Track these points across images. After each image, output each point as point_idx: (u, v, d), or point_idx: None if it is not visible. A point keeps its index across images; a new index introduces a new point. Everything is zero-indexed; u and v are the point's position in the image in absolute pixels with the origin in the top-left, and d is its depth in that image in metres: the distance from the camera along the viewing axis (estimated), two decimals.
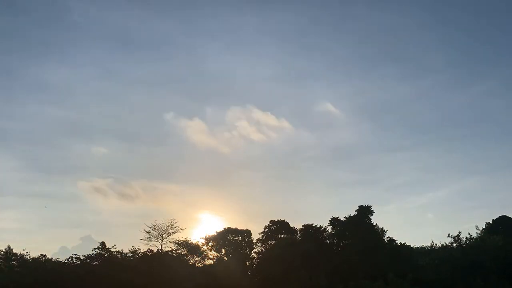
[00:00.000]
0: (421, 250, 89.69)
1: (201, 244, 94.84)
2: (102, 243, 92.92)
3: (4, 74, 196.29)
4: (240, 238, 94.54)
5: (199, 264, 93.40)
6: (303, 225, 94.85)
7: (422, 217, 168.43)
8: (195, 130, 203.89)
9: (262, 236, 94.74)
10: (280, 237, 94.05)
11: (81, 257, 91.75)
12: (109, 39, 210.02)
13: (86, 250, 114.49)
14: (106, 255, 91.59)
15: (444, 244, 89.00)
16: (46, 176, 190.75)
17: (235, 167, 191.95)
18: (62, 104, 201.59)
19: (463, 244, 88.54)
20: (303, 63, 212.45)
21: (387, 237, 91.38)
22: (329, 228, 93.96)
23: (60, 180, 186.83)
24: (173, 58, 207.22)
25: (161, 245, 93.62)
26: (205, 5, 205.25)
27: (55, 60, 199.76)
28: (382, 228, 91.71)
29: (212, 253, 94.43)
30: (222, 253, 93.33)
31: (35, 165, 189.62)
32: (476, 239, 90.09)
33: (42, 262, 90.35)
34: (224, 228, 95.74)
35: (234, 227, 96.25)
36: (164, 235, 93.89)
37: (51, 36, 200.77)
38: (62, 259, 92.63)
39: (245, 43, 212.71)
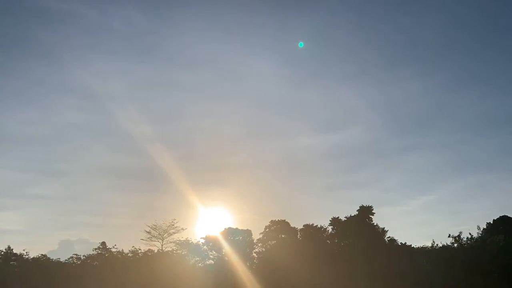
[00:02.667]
0: (422, 250, 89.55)
1: (201, 244, 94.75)
2: (103, 243, 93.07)
3: (33, 78, 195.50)
4: (240, 238, 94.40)
5: (199, 264, 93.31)
6: (303, 225, 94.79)
7: (422, 217, 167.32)
8: (201, 130, 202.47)
9: (263, 236, 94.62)
10: (281, 237, 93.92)
11: (82, 257, 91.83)
12: (144, 50, 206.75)
13: (86, 249, 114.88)
14: (106, 255, 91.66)
15: (445, 244, 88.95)
16: (48, 178, 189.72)
17: (239, 167, 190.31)
18: (80, 108, 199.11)
19: (464, 244, 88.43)
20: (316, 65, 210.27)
21: (388, 237, 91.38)
22: (330, 228, 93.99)
23: (62, 181, 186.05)
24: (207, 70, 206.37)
25: (162, 245, 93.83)
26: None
27: (83, 66, 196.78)
28: (383, 228, 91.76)
29: (213, 253, 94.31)
30: (223, 253, 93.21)
31: (39, 166, 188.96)
32: (477, 239, 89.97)
33: (42, 262, 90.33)
34: (225, 228, 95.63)
35: (234, 227, 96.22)
36: (164, 235, 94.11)
37: (82, 41, 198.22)
38: (62, 254, 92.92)
39: (262, 45, 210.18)
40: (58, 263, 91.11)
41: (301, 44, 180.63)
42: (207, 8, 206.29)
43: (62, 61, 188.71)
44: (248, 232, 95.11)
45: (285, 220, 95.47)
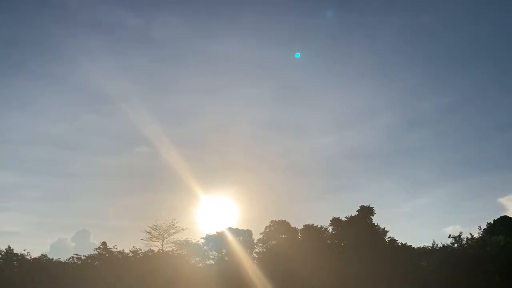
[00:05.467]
0: (422, 251, 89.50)
1: (201, 244, 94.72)
2: (103, 243, 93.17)
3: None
4: (241, 238, 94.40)
5: (200, 264, 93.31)
6: (304, 225, 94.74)
7: (422, 218, 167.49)
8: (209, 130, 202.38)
9: (263, 236, 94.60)
10: (281, 237, 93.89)
11: (82, 257, 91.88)
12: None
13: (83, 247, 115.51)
14: (107, 255, 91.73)
15: (445, 245, 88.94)
16: (50, 179, 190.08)
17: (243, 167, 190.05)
18: (86, 109, 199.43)
19: (464, 245, 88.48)
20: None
21: (388, 238, 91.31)
22: (330, 229, 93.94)
23: (63, 184, 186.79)
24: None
25: (162, 245, 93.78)
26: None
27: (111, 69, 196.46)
28: (384, 228, 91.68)
29: (213, 253, 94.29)
30: (223, 253, 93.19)
31: (40, 167, 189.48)
32: (477, 239, 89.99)
33: (43, 262, 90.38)
34: (225, 228, 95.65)
35: (235, 227, 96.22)
36: (165, 235, 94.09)
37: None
38: (58, 253, 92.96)
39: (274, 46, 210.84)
40: (58, 263, 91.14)
41: (297, 55, 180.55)
42: (218, 6, 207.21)
43: (76, 62, 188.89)
44: (248, 232, 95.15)
45: (285, 220, 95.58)
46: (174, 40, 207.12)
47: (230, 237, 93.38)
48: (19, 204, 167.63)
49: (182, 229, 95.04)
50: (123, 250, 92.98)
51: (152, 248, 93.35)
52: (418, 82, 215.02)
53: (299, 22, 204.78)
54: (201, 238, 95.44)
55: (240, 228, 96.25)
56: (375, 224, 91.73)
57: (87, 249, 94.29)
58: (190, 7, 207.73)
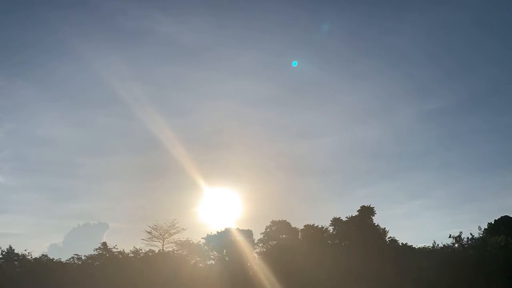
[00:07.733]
0: (423, 251, 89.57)
1: (202, 244, 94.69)
2: (104, 243, 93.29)
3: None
4: (241, 238, 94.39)
5: (200, 265, 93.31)
6: (304, 226, 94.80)
7: (422, 219, 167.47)
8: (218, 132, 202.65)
9: (264, 236, 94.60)
10: (282, 237, 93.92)
11: (83, 257, 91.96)
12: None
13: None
14: (107, 255, 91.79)
15: (446, 245, 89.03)
16: (51, 180, 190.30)
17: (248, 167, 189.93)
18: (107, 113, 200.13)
19: (465, 245, 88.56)
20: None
21: (389, 238, 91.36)
22: (331, 229, 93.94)
23: (64, 184, 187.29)
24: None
25: (163, 245, 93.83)
26: None
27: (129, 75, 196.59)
28: (384, 228, 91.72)
29: (214, 253, 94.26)
30: (224, 253, 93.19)
31: (42, 170, 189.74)
32: (478, 239, 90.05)
33: (44, 263, 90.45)
34: (226, 228, 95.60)
35: (235, 227, 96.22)
36: (165, 236, 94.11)
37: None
38: (57, 253, 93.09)
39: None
40: (59, 263, 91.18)
41: (295, 63, 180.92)
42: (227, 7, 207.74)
43: (86, 63, 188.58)
44: (249, 232, 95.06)
45: (286, 220, 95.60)
46: (183, 42, 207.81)
47: (230, 237, 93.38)
48: (19, 206, 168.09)
49: (183, 229, 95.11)
50: (123, 250, 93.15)
51: (153, 248, 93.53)
52: (419, 84, 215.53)
53: (304, 23, 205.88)
54: (202, 238, 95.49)
55: (240, 228, 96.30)
56: (376, 224, 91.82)
57: (84, 243, 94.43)
58: (201, 9, 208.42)
